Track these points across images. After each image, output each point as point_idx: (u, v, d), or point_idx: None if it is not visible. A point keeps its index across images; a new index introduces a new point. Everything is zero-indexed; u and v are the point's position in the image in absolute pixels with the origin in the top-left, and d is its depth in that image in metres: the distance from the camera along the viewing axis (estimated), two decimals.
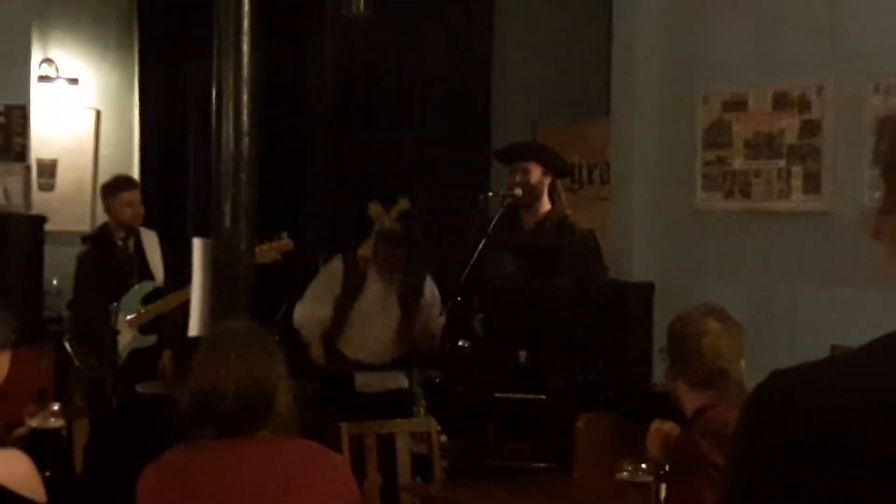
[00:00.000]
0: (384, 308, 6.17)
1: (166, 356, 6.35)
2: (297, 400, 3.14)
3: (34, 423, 3.39)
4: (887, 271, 1.36)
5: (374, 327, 6.16)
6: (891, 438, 1.19)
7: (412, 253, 6.13)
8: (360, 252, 6.17)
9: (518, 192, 5.75)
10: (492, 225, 5.69)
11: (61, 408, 3.49)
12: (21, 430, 3.37)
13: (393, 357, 6.19)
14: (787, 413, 1.25)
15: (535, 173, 5.71)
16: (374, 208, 6.21)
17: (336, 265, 6.27)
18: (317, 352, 6.16)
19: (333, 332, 6.19)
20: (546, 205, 5.73)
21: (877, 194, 1.37)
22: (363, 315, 6.17)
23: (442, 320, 5.81)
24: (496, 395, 5.29)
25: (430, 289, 6.21)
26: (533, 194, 5.71)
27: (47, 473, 3.16)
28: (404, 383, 6.00)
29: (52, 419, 3.42)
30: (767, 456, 1.25)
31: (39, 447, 3.30)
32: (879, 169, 1.35)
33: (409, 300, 6.14)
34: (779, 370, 1.32)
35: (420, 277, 6.20)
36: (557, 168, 5.80)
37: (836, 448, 1.20)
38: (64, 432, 3.45)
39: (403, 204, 6.17)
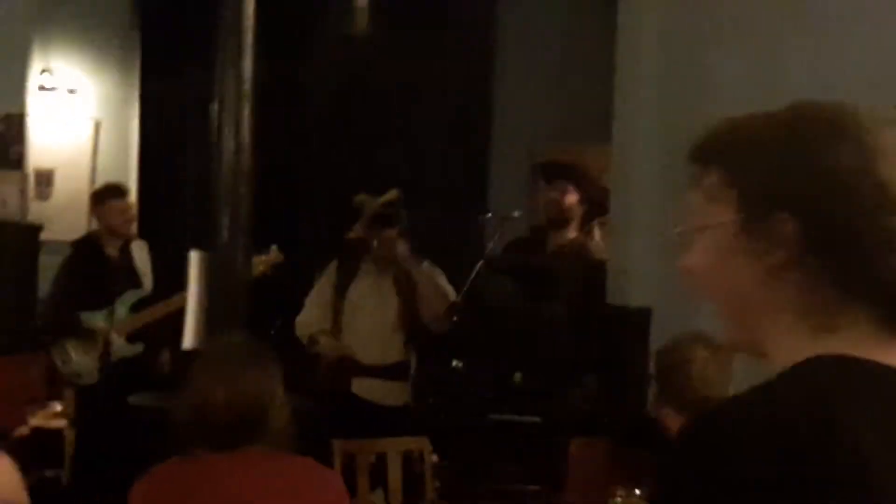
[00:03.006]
0: (379, 295, 5.90)
1: (165, 356, 6.30)
2: (293, 416, 3.13)
3: (36, 421, 3.36)
4: None
5: (369, 317, 5.89)
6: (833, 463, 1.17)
7: (402, 235, 5.98)
8: (351, 235, 5.99)
9: (516, 213, 5.77)
10: (509, 244, 5.71)
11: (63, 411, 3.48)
12: (23, 430, 3.35)
13: (394, 357, 5.89)
14: (737, 450, 1.20)
15: (572, 197, 5.75)
16: (361, 197, 6.05)
17: (330, 267, 6.07)
18: (326, 343, 5.88)
19: (331, 330, 5.94)
20: (573, 232, 5.77)
21: None
22: (357, 305, 5.91)
23: (450, 291, 5.72)
24: (490, 416, 5.27)
25: (427, 266, 5.96)
26: (563, 216, 5.74)
27: (47, 473, 3.15)
28: (403, 399, 5.89)
29: (55, 420, 3.40)
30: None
31: (40, 446, 3.28)
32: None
33: (405, 285, 5.86)
34: (708, 413, 1.29)
35: (412, 260, 5.94)
36: (596, 201, 5.82)
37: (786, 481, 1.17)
38: (65, 433, 3.43)
39: (392, 194, 6.05)
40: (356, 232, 5.90)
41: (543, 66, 8.14)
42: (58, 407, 3.24)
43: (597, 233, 5.86)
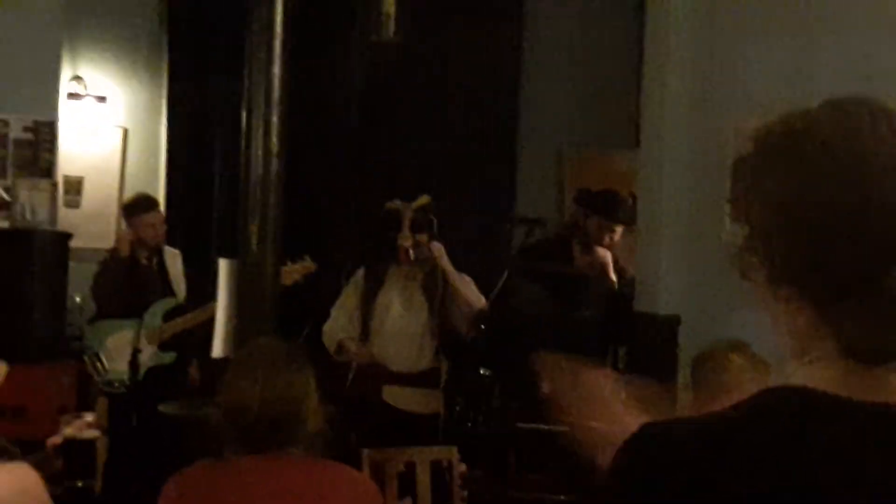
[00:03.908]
0: (408, 302, 5.90)
1: (193, 368, 6.34)
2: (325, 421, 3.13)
3: (69, 432, 3.36)
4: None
5: (398, 324, 5.87)
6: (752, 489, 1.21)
7: (433, 240, 5.96)
8: (400, 243, 5.87)
9: (544, 218, 5.81)
10: (531, 247, 5.74)
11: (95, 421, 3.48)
12: (55, 439, 3.34)
13: (423, 364, 5.86)
14: (658, 465, 1.27)
15: (618, 233, 5.84)
16: (395, 203, 6.04)
17: (357, 274, 6.06)
18: (355, 349, 5.86)
19: (359, 337, 5.92)
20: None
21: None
22: (385, 312, 5.89)
23: (480, 297, 5.72)
24: (518, 424, 5.25)
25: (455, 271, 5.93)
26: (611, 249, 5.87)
27: (79, 483, 3.15)
28: (433, 406, 5.86)
29: (87, 430, 3.40)
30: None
31: (73, 457, 3.28)
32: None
33: (435, 290, 5.85)
34: (649, 424, 1.33)
35: (449, 264, 5.89)
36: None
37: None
38: (98, 444, 3.43)
39: (424, 199, 6.05)
40: (404, 239, 5.86)
41: (571, 70, 8.14)
42: (89, 417, 3.23)
43: (618, 235, 5.92)
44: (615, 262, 5.91)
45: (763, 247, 1.31)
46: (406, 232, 5.84)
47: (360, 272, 6.06)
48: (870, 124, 1.29)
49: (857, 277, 1.25)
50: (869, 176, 1.25)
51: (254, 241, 4.93)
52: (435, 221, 5.91)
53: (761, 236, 1.31)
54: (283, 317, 5.06)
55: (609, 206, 6.04)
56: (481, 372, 5.74)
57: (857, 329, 1.26)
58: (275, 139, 5.09)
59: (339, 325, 5.95)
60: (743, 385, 3.47)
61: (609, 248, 5.88)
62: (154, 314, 6.31)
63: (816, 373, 1.29)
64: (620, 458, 1.31)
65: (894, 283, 1.24)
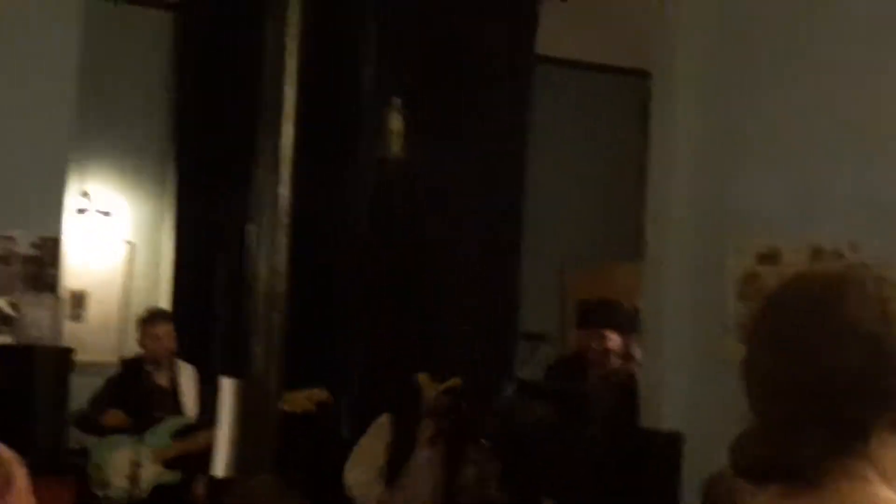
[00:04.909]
0: (432, 477, 5.77)
1: (199, 486, 6.17)
2: None
3: None
4: None
5: (419, 498, 5.76)
6: None
7: (459, 424, 5.84)
8: (425, 435, 5.75)
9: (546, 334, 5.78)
10: (552, 365, 5.71)
11: None
12: None
13: None
14: None
15: (614, 339, 5.76)
16: (423, 378, 5.97)
17: (384, 427, 5.88)
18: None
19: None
20: (616, 360, 5.79)
21: None
22: (409, 484, 5.78)
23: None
24: None
25: (480, 458, 5.80)
26: (606, 359, 5.76)
27: None
28: None
29: None
30: None
31: None
32: None
33: (456, 468, 5.74)
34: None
35: (466, 446, 5.80)
36: (633, 328, 5.84)
37: None
38: None
39: (454, 381, 5.96)
40: (427, 429, 5.77)
41: (574, 184, 8.23)
42: None
43: (637, 351, 5.88)
44: (631, 375, 5.82)
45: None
46: (428, 421, 5.76)
47: (385, 419, 5.89)
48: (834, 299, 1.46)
49: (756, 408, 1.48)
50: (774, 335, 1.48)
51: (258, 359, 4.94)
52: (465, 405, 5.81)
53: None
54: (286, 436, 5.05)
55: (595, 315, 6.03)
56: None
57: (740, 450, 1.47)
58: (280, 258, 5.13)
59: (369, 478, 5.77)
60: None
61: (605, 353, 5.80)
62: (161, 433, 6.24)
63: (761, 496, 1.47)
64: None
65: (773, 416, 1.44)
